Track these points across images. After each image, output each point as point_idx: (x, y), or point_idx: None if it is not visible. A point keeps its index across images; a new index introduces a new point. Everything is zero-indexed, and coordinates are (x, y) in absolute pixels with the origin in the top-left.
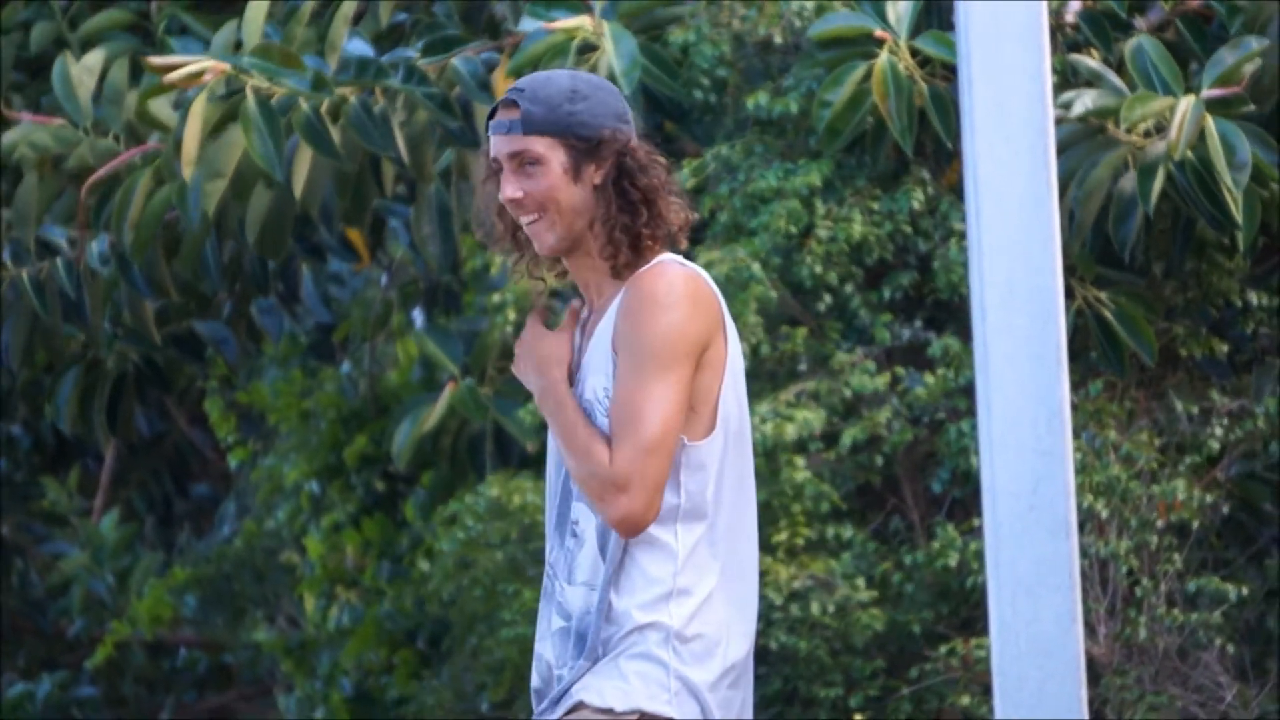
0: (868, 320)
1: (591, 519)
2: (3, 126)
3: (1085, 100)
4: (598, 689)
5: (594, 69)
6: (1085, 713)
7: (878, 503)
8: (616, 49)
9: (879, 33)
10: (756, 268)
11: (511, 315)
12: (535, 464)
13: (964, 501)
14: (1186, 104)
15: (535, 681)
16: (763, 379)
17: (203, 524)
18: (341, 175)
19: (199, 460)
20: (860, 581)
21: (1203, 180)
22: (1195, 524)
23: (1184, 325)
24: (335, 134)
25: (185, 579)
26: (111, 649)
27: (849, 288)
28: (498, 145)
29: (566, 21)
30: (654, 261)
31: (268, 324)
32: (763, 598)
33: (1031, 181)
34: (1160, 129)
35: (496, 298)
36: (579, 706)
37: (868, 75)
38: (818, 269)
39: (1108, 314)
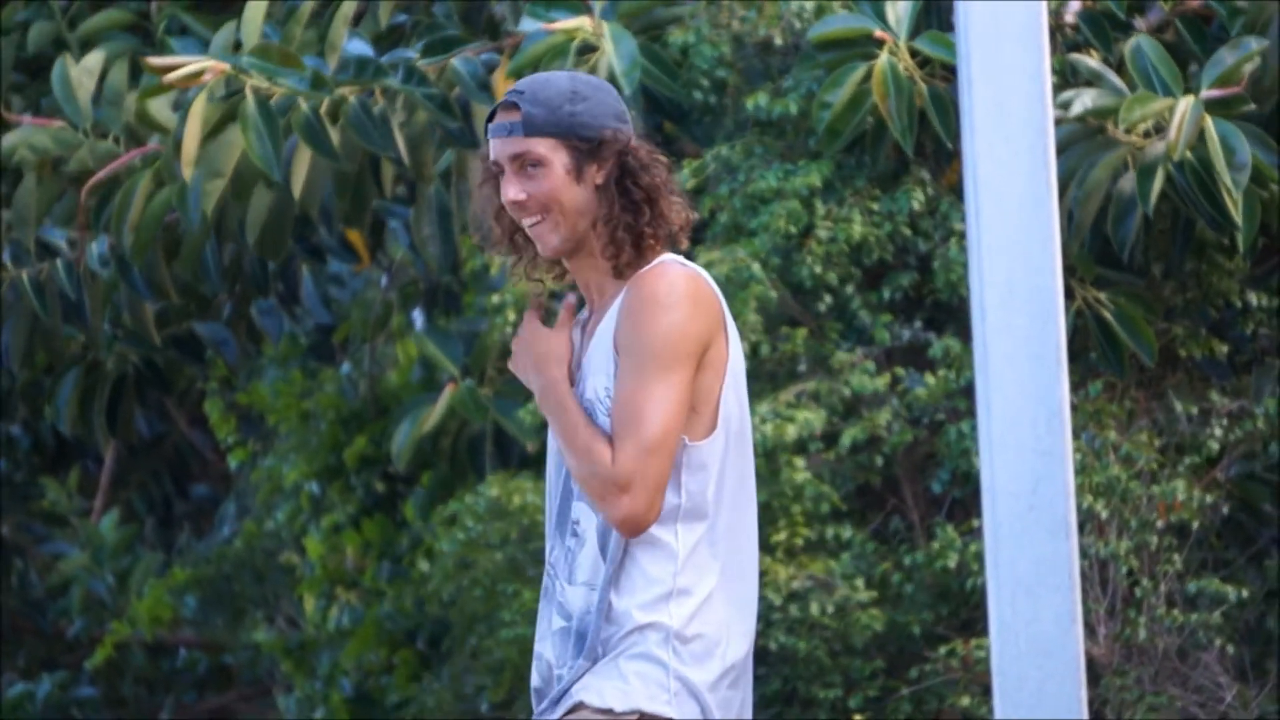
0: (868, 321)
1: (592, 518)
2: (3, 129)
3: (1085, 100)
4: (597, 689)
5: (594, 70)
6: (1085, 713)
7: (877, 503)
8: (616, 50)
9: (879, 33)
10: (756, 268)
11: (511, 316)
12: (535, 464)
13: (964, 502)
14: (1186, 104)
15: (535, 681)
16: (763, 379)
17: (203, 525)
18: (341, 176)
19: (199, 461)
20: (860, 582)
21: (1202, 181)
22: (1195, 524)
23: (1184, 326)
24: (335, 134)
25: (185, 579)
26: (111, 649)
27: (849, 288)
28: (498, 148)
29: (566, 22)
30: (655, 262)
31: (268, 325)
32: (762, 598)
33: (1031, 181)
34: (1160, 129)
35: (496, 299)
36: (579, 707)
37: (867, 76)
38: (818, 269)
39: (1107, 314)
